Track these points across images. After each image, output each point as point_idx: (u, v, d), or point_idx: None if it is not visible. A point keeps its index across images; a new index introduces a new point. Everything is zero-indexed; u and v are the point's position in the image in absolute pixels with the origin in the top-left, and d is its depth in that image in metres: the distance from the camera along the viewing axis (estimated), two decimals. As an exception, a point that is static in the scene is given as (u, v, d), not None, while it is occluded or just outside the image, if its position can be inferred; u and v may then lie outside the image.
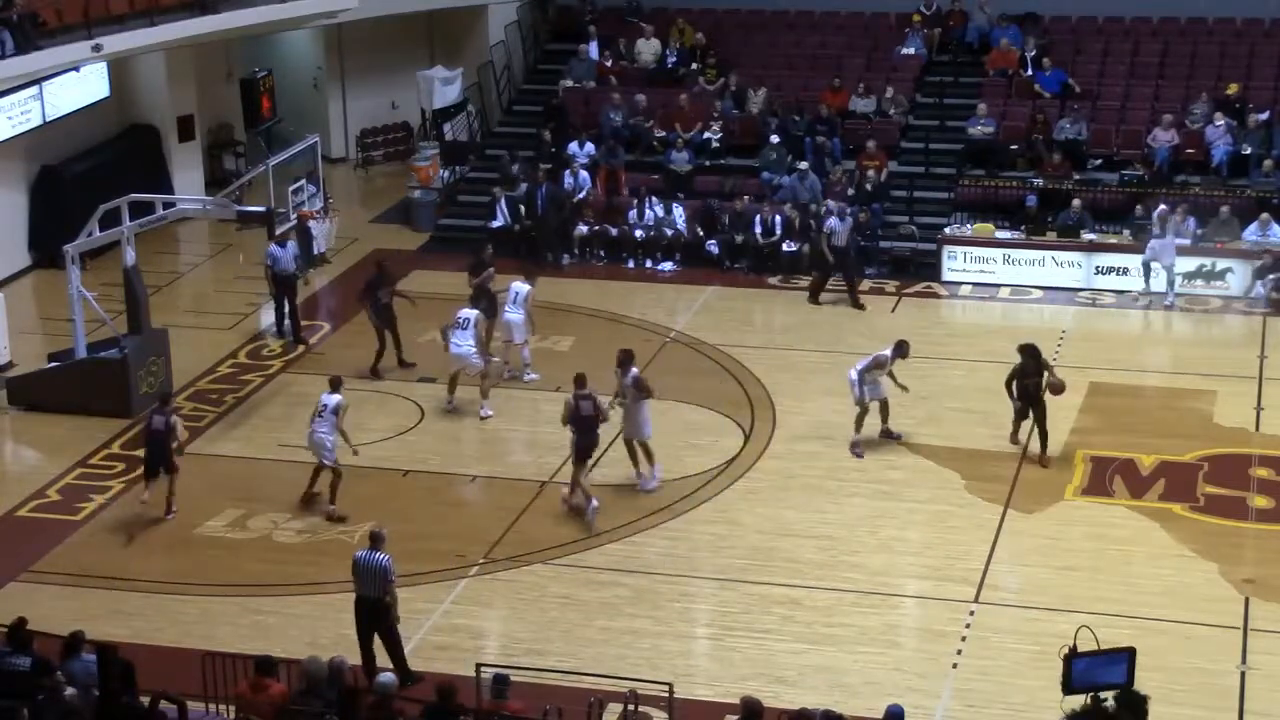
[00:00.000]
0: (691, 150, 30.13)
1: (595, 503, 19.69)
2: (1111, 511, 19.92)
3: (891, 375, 21.42)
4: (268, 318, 26.24)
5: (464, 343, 22.49)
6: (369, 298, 24.32)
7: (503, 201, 29.16)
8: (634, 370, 20.66)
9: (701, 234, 28.60)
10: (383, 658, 16.19)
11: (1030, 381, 21.00)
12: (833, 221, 26.62)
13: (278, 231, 25.11)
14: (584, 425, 19.87)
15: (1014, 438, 21.36)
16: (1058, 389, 21.15)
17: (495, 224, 29.24)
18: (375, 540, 16.34)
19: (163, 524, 20.38)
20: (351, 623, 16.41)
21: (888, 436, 21.52)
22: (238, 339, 25.73)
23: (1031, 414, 21.08)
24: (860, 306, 26.58)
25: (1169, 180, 28.49)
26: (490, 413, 22.62)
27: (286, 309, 25.64)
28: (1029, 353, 21.14)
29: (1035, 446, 21.15)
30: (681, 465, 21.22)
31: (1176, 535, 19.26)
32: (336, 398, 20.05)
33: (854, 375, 21.15)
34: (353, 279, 28.29)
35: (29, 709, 13.41)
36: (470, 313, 22.72)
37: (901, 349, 21.51)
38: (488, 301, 23.73)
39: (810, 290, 26.93)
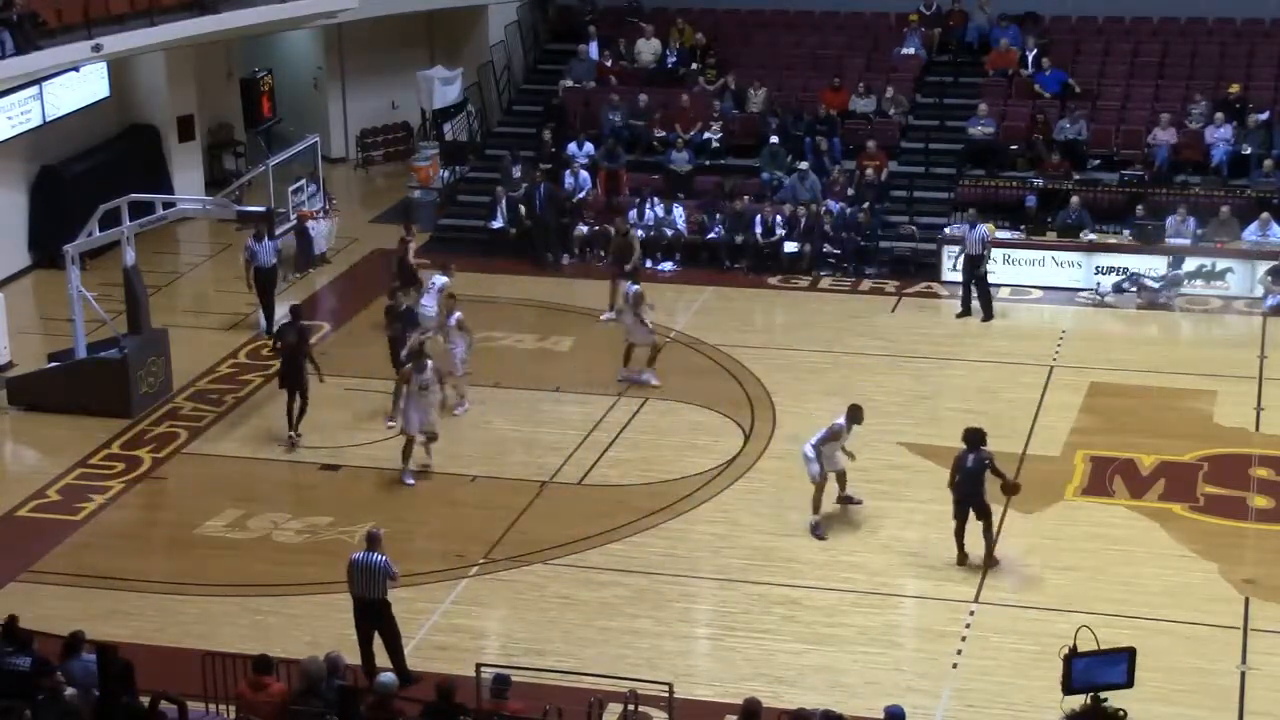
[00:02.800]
0: (691, 150, 30.13)
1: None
2: (1111, 511, 19.91)
3: (842, 445, 19.62)
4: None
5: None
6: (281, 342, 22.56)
7: (504, 202, 29.15)
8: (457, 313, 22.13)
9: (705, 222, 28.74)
10: (382, 658, 16.19)
11: (971, 480, 18.26)
12: (961, 229, 26.44)
13: (278, 231, 25.12)
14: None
15: (961, 556, 18.52)
16: (1012, 490, 18.65)
17: (495, 224, 29.24)
18: (372, 541, 16.31)
19: (163, 524, 20.42)
20: (351, 623, 16.38)
21: (847, 502, 19.74)
22: (238, 339, 25.70)
23: (974, 514, 18.44)
24: (989, 316, 25.99)
25: (1169, 180, 28.51)
26: (411, 482, 20.92)
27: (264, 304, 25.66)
28: (974, 439, 18.50)
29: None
30: (681, 465, 21.22)
31: (1176, 535, 19.25)
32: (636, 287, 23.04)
33: (810, 451, 19.22)
34: (353, 279, 28.36)
35: (29, 709, 13.40)
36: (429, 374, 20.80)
37: (856, 415, 19.47)
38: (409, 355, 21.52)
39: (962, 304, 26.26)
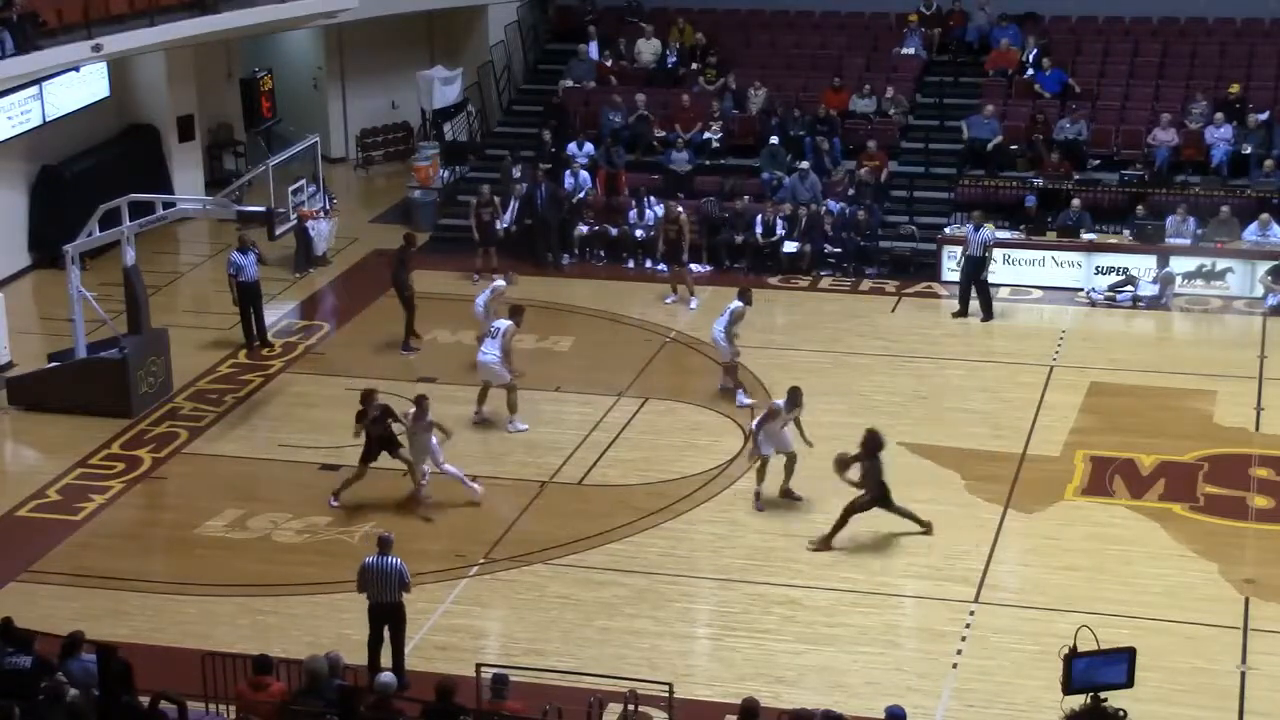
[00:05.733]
0: (691, 150, 30.12)
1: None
2: (1111, 511, 19.91)
3: (798, 425, 19.90)
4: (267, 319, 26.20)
5: (490, 351, 22.04)
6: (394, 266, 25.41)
7: (514, 202, 29.03)
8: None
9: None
10: (383, 658, 16.19)
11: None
12: (965, 229, 26.40)
13: (279, 231, 25.11)
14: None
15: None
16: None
17: (502, 224, 29.17)
18: (384, 545, 16.30)
19: (163, 524, 20.42)
20: (351, 623, 16.43)
21: (787, 496, 19.94)
22: (237, 338, 25.68)
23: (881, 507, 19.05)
24: (989, 316, 25.96)
25: (1169, 180, 28.51)
26: (524, 426, 22.18)
27: (254, 316, 25.49)
28: (793, 398, 19.70)
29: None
30: (681, 465, 21.22)
31: (1176, 535, 19.25)
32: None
33: (753, 426, 20.07)
34: (353, 279, 28.38)
35: (29, 709, 13.39)
36: (503, 323, 22.15)
37: (794, 398, 19.83)
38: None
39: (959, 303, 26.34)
